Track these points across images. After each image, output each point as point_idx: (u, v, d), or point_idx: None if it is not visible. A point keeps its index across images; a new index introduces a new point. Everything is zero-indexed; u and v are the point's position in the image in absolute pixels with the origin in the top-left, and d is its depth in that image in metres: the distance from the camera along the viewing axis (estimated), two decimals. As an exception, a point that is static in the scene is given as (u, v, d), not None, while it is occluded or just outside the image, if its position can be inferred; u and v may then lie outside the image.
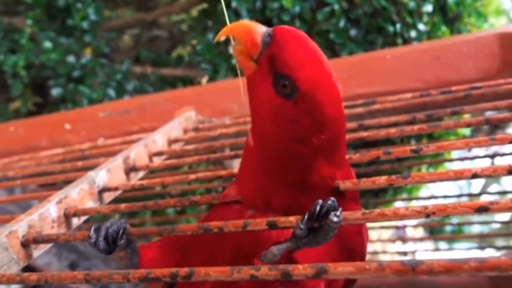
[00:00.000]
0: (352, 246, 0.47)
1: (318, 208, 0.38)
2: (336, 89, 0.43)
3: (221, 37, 0.45)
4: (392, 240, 2.52)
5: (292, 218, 0.39)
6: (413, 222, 1.73)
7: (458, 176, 0.42)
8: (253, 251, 0.44)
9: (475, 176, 0.42)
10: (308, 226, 0.38)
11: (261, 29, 0.43)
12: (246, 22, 0.44)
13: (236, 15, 1.62)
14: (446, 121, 0.60)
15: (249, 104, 0.46)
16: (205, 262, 0.49)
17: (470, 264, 0.29)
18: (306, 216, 0.38)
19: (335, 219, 0.37)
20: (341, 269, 0.31)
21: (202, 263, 0.49)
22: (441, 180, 0.42)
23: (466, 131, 2.03)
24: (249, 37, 0.43)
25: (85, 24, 2.32)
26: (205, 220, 0.52)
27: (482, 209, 0.35)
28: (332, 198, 0.38)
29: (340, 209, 0.38)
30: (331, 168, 0.45)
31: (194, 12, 2.60)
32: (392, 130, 0.57)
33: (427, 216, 0.36)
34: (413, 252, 1.98)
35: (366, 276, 0.31)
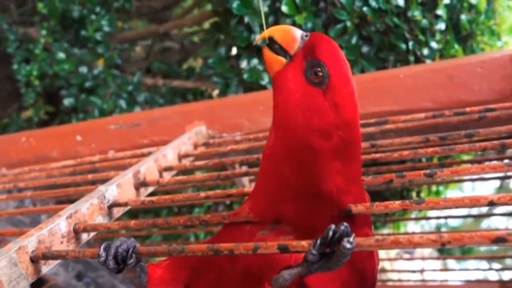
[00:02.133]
0: (363, 270, 0.47)
1: (331, 233, 0.37)
2: (356, 100, 0.47)
3: (261, 39, 0.49)
4: (400, 258, 2.49)
5: (304, 243, 0.39)
6: (421, 248, 1.70)
7: (474, 203, 0.41)
8: (263, 272, 0.44)
9: (491, 203, 0.41)
10: (320, 251, 0.38)
11: (299, 31, 0.48)
12: (284, 25, 0.50)
13: (248, 30, 1.63)
14: (460, 142, 0.59)
15: (275, 100, 0.48)
16: (215, 281, 0.49)
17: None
18: (318, 241, 0.37)
19: (348, 245, 0.36)
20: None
21: (211, 283, 0.49)
22: (456, 207, 0.42)
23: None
24: (289, 35, 0.48)
25: (98, 36, 2.35)
26: (215, 240, 0.52)
27: (499, 240, 0.34)
28: (345, 224, 0.38)
29: (353, 235, 0.37)
30: (346, 180, 0.45)
31: (206, 24, 2.63)
32: (405, 152, 0.57)
33: (443, 245, 0.35)
34: (421, 271, 1.95)
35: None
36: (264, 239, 0.46)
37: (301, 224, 0.45)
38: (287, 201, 0.46)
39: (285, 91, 0.47)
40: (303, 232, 0.40)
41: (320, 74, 0.45)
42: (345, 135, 0.44)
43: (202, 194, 0.60)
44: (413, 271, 1.81)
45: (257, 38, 0.49)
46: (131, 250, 0.44)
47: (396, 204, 0.44)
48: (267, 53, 0.49)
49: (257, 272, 0.45)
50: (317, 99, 0.45)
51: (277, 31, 0.48)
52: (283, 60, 0.47)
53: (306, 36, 0.48)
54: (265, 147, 0.50)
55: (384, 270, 1.95)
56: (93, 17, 2.38)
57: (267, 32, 0.49)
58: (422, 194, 2.12)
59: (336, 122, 0.44)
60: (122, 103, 2.20)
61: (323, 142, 0.44)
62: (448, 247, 0.35)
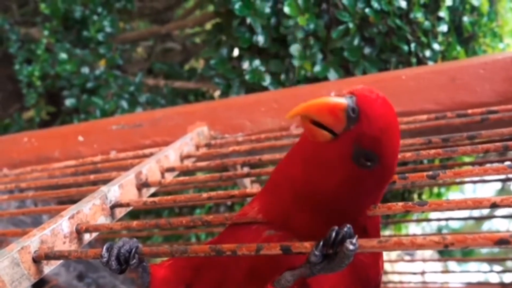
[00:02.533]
0: (367, 277, 0.46)
1: (334, 234, 0.37)
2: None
3: (296, 115, 0.42)
4: (401, 260, 2.49)
5: (307, 244, 0.39)
6: (424, 249, 1.70)
7: (476, 205, 0.41)
8: (267, 272, 0.44)
9: (494, 205, 0.41)
10: (323, 253, 0.38)
11: (343, 104, 0.41)
12: (324, 99, 0.41)
13: (250, 31, 1.63)
14: (462, 144, 0.59)
15: (312, 165, 0.45)
16: (217, 281, 0.48)
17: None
18: (321, 243, 0.37)
19: (351, 247, 0.36)
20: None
21: (214, 282, 0.49)
22: (459, 209, 0.42)
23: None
24: (332, 115, 0.41)
25: (100, 36, 2.36)
26: (220, 239, 0.52)
27: (502, 242, 0.34)
28: (348, 225, 0.38)
29: (356, 236, 0.37)
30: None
31: (208, 26, 2.63)
32: (408, 154, 0.57)
33: (446, 246, 0.35)
34: (422, 273, 1.95)
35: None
36: (270, 239, 0.46)
37: (310, 231, 0.44)
38: (301, 211, 0.46)
39: (329, 168, 0.43)
40: (310, 237, 0.40)
41: (369, 161, 0.42)
42: (384, 187, 0.46)
43: (204, 195, 0.60)
44: (414, 273, 1.81)
45: (291, 114, 0.42)
46: (133, 250, 0.44)
47: (399, 205, 0.44)
48: (308, 124, 0.42)
49: (262, 272, 0.44)
50: (365, 180, 0.43)
51: (317, 110, 0.41)
52: (328, 135, 0.42)
53: (353, 111, 0.41)
54: (287, 174, 0.48)
55: (385, 272, 1.95)
56: (95, 17, 2.39)
57: (304, 109, 0.41)
58: (424, 196, 2.12)
59: (380, 186, 0.45)
60: (124, 104, 2.20)
61: (361, 200, 0.45)
62: (451, 249, 0.35)
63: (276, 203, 0.47)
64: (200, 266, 0.50)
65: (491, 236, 0.35)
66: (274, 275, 0.43)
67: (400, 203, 0.44)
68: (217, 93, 2.41)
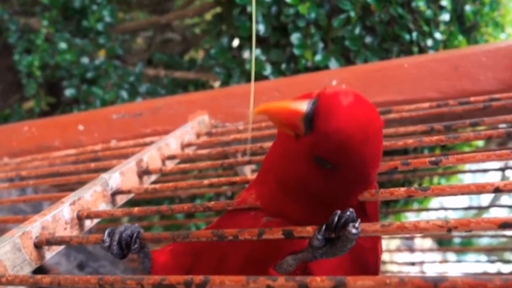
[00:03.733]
0: (366, 262, 0.46)
1: (336, 218, 0.37)
2: (379, 149, 0.43)
3: (259, 114, 0.42)
4: (400, 250, 2.50)
5: (309, 228, 0.38)
6: (427, 233, 1.71)
7: (480, 189, 0.41)
8: (267, 257, 0.44)
9: (497, 190, 0.41)
10: (325, 237, 0.37)
11: (301, 110, 0.40)
12: (285, 103, 0.41)
13: (251, 20, 1.62)
14: (465, 132, 0.59)
15: (282, 152, 0.45)
16: (217, 265, 0.48)
17: (495, 283, 0.28)
18: (323, 227, 0.37)
19: (353, 230, 0.36)
20: (361, 283, 0.30)
21: (214, 267, 0.49)
22: (462, 193, 0.41)
23: (480, 142, 2.01)
24: (290, 120, 0.41)
25: (99, 26, 2.34)
26: (217, 225, 0.52)
27: (506, 225, 0.34)
28: (351, 209, 0.37)
29: (359, 220, 0.37)
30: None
31: (208, 16, 2.61)
32: (410, 141, 0.56)
33: (449, 230, 0.35)
34: (421, 263, 1.95)
35: (386, 291, 0.30)
36: (268, 225, 0.46)
37: (302, 218, 0.44)
38: (288, 200, 0.45)
39: (293, 160, 0.43)
40: (305, 224, 0.40)
41: (329, 166, 0.41)
42: (360, 191, 0.44)
43: (206, 181, 0.60)
44: (413, 264, 1.81)
45: (253, 112, 0.42)
46: (135, 235, 0.44)
47: (401, 191, 0.44)
48: (274, 120, 0.43)
49: (262, 257, 0.44)
50: (326, 177, 0.42)
51: (277, 113, 0.41)
52: (292, 133, 0.42)
53: (311, 118, 0.40)
54: (270, 159, 0.48)
55: (384, 262, 1.95)
56: (94, 7, 2.37)
57: (265, 110, 0.41)
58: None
59: (348, 188, 0.43)
60: (124, 94, 2.19)
61: (332, 198, 0.43)
62: (454, 233, 0.35)
63: (267, 190, 0.47)
64: (200, 252, 0.50)
65: (494, 220, 0.35)
66: (274, 260, 0.43)
67: (403, 188, 0.43)
68: (217, 84, 2.40)
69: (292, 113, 0.40)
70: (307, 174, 0.42)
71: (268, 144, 0.72)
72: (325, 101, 0.40)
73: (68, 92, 2.24)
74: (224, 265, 0.48)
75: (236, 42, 1.79)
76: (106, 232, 0.44)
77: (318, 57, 1.57)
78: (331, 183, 0.42)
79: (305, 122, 0.40)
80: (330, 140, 0.39)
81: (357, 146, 0.39)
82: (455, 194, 0.42)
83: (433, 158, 0.49)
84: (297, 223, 0.44)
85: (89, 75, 2.24)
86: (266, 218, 0.47)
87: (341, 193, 0.44)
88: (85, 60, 2.26)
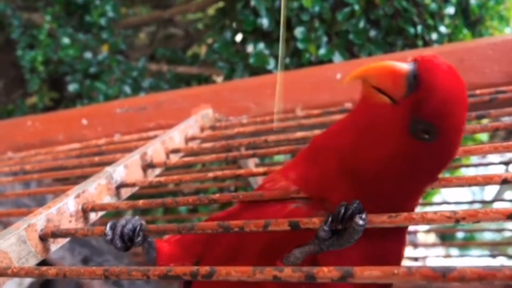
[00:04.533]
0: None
1: (342, 210, 0.37)
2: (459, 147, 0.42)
3: (355, 79, 0.40)
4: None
5: (315, 219, 0.38)
6: (425, 227, 1.71)
7: (487, 181, 0.41)
8: (286, 246, 0.42)
9: (505, 181, 0.40)
10: (332, 228, 0.37)
11: (404, 69, 0.39)
12: (385, 63, 0.40)
13: (254, 14, 1.62)
14: (471, 125, 0.58)
15: (365, 129, 0.42)
16: (230, 255, 0.47)
17: (504, 272, 0.28)
18: (330, 218, 0.37)
19: (360, 222, 0.36)
20: (368, 273, 0.30)
21: (226, 256, 0.48)
22: (470, 185, 0.41)
23: (484, 137, 2.00)
24: (392, 80, 0.39)
25: (102, 21, 2.34)
26: (244, 206, 0.49)
27: (515, 216, 0.34)
28: (357, 201, 0.37)
29: (365, 212, 0.37)
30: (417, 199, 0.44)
31: (211, 10, 2.61)
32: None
33: (457, 221, 0.35)
34: (424, 258, 1.95)
35: (394, 281, 0.30)
36: (295, 212, 0.44)
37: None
38: (344, 185, 0.42)
39: (383, 134, 0.41)
40: None
41: (427, 134, 0.39)
42: (439, 172, 0.42)
43: (210, 174, 0.60)
44: (416, 259, 1.81)
45: (349, 78, 0.40)
46: (138, 228, 0.44)
47: (408, 182, 0.43)
48: (367, 88, 0.40)
49: (281, 246, 0.43)
50: (421, 153, 0.40)
51: (376, 74, 0.39)
52: (387, 100, 0.40)
53: (414, 77, 0.38)
54: (335, 141, 0.44)
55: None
56: (97, 2, 2.37)
57: (363, 72, 0.40)
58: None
59: (436, 167, 0.41)
60: (127, 89, 2.19)
61: (412, 181, 0.42)
62: (462, 223, 0.34)
63: (317, 172, 0.44)
64: (212, 241, 0.49)
65: (503, 210, 0.34)
66: (282, 255, 0.42)
67: (410, 180, 0.43)
68: (219, 78, 2.40)
69: (394, 72, 0.39)
70: (399, 148, 0.40)
71: (272, 138, 0.71)
72: (426, 62, 0.39)
73: (71, 87, 2.24)
74: (237, 254, 0.46)
75: (239, 37, 1.79)
76: (108, 225, 0.44)
77: (322, 51, 1.56)
78: (423, 159, 0.40)
79: (408, 81, 0.38)
80: (437, 95, 0.37)
81: (461, 106, 0.39)
82: (462, 185, 0.41)
83: (439, 150, 0.48)
84: (327, 210, 0.42)
85: (92, 70, 2.24)
86: (294, 205, 0.45)
87: (424, 173, 0.41)
88: (88, 55, 2.26)
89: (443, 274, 0.29)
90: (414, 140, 0.39)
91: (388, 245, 0.44)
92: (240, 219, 0.41)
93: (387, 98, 0.40)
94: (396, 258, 0.45)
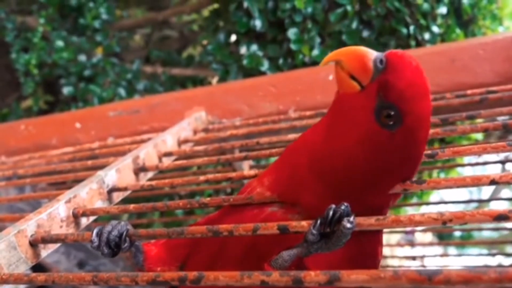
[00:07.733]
0: (365, 266, 0.45)
1: (331, 213, 0.37)
2: (426, 140, 0.43)
3: (327, 63, 0.43)
4: (401, 245, 2.50)
5: (304, 223, 0.38)
6: (422, 226, 1.71)
7: (475, 182, 0.41)
8: (270, 248, 0.43)
9: (493, 182, 0.40)
10: (320, 232, 0.37)
11: (372, 55, 0.41)
12: (355, 47, 0.42)
13: (248, 15, 1.62)
14: (462, 125, 0.58)
15: (335, 119, 0.44)
16: (214, 258, 0.47)
17: (489, 275, 0.28)
18: (318, 221, 0.37)
19: (348, 225, 0.36)
20: (355, 277, 0.30)
21: (210, 259, 0.48)
22: (458, 186, 0.41)
23: (479, 136, 2.01)
24: (360, 62, 0.41)
25: (96, 24, 2.34)
26: (223, 212, 0.50)
27: (501, 217, 0.34)
28: (346, 204, 0.37)
29: (353, 215, 0.37)
30: (388, 196, 0.44)
31: (205, 12, 2.61)
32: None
33: (444, 223, 0.35)
34: (422, 257, 1.96)
35: (381, 284, 0.30)
36: (272, 215, 0.45)
37: (318, 206, 0.42)
38: (315, 181, 0.44)
39: (350, 123, 0.42)
40: (316, 214, 0.39)
41: (392, 118, 0.40)
42: (408, 169, 0.43)
43: (202, 177, 0.60)
44: (414, 258, 1.81)
45: (323, 61, 0.43)
46: (124, 233, 0.43)
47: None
48: (340, 73, 0.43)
49: (264, 248, 0.43)
50: (385, 141, 0.41)
51: (346, 57, 0.42)
52: (356, 86, 0.42)
53: (381, 62, 0.41)
54: (307, 139, 0.47)
55: (384, 257, 1.96)
56: (91, 5, 2.36)
57: (334, 55, 0.43)
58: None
59: (401, 160, 0.42)
60: (121, 91, 2.19)
61: (380, 174, 0.42)
62: (449, 225, 0.35)
63: (288, 172, 0.46)
64: (196, 243, 0.50)
65: (490, 212, 0.34)
66: (276, 252, 0.43)
67: (398, 182, 0.43)
68: (215, 80, 2.40)
69: (362, 55, 0.41)
70: (365, 136, 0.41)
71: (265, 140, 0.71)
72: (393, 52, 0.42)
73: (66, 90, 2.23)
74: (221, 257, 0.47)
75: (233, 38, 1.79)
76: (94, 232, 0.43)
77: (315, 52, 1.57)
78: (388, 149, 0.41)
79: (375, 64, 0.41)
80: (402, 77, 0.40)
81: (424, 92, 0.41)
82: (450, 187, 0.41)
83: (429, 151, 0.48)
84: (307, 214, 0.43)
85: (87, 73, 2.23)
86: (271, 209, 0.46)
87: (391, 166, 0.42)
88: (82, 58, 2.26)
89: (429, 277, 0.29)
90: (379, 128, 0.41)
91: (366, 245, 0.45)
92: (221, 224, 0.42)
93: (356, 84, 0.42)
94: (374, 258, 0.46)
